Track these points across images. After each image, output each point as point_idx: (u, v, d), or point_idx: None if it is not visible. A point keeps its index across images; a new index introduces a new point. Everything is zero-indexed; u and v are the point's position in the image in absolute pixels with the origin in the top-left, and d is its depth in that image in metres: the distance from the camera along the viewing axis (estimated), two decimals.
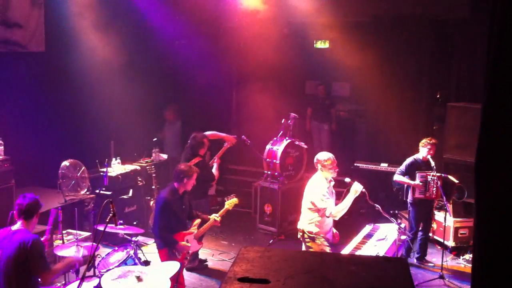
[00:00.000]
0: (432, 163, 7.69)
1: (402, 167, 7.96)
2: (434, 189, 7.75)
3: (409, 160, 7.96)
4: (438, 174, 7.71)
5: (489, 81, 2.55)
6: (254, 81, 11.56)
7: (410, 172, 7.86)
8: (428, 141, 7.86)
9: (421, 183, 7.77)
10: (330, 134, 11.56)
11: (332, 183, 6.56)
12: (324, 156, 6.45)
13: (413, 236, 7.99)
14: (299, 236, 6.63)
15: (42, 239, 5.07)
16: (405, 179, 7.85)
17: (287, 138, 9.48)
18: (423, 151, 7.85)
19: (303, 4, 10.53)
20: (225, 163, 11.52)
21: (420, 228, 8.02)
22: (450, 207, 8.05)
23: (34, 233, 4.97)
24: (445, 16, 10.10)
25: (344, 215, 6.67)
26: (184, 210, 6.74)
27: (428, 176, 7.74)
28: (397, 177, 7.94)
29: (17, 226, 4.78)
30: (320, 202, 6.29)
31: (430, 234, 8.68)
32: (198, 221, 6.74)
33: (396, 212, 8.33)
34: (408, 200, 7.97)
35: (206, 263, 8.01)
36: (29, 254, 4.61)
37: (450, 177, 8.02)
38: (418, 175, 7.78)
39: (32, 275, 4.67)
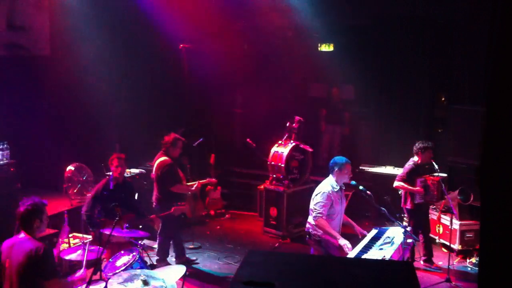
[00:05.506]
0: (436, 166, 7.64)
1: (402, 173, 7.89)
2: (434, 193, 7.71)
3: (408, 165, 7.87)
4: (439, 176, 7.68)
5: (491, 83, 2.55)
6: (258, 84, 11.59)
7: (410, 178, 7.78)
8: (425, 146, 7.77)
9: (421, 188, 7.72)
10: (342, 137, 11.57)
11: (343, 187, 6.57)
12: (340, 160, 6.50)
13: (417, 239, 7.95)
14: (306, 238, 6.67)
15: None
16: (405, 185, 7.77)
17: (292, 141, 9.48)
18: (422, 157, 7.79)
19: (307, 7, 10.53)
20: (230, 166, 11.56)
21: (420, 231, 7.98)
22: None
23: (41, 238, 4.96)
24: (446, 18, 10.08)
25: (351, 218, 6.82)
26: (123, 198, 6.97)
27: (429, 180, 7.71)
28: (397, 183, 7.87)
29: (22, 235, 4.76)
30: (317, 207, 6.38)
31: (436, 238, 8.67)
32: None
33: (402, 215, 8.29)
34: (406, 207, 7.91)
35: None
36: (40, 261, 4.59)
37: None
38: (418, 180, 7.74)
39: (43, 282, 4.65)
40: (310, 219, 6.54)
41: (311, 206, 6.51)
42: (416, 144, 7.88)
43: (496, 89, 2.52)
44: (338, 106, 11.57)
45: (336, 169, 6.47)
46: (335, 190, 6.43)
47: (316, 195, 6.46)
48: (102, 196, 6.90)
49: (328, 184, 6.47)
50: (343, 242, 6.16)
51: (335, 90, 11.62)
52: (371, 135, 11.55)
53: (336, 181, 6.47)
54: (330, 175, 6.55)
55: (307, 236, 6.62)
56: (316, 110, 11.65)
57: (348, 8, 10.63)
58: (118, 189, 7.03)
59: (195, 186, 7.86)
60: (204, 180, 8.35)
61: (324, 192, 6.39)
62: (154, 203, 7.71)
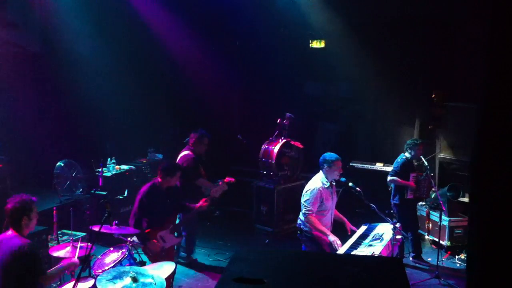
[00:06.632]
0: (425, 163, 7.71)
1: (396, 167, 7.96)
2: (425, 189, 7.81)
3: (401, 160, 7.96)
4: (428, 173, 7.75)
5: (486, 82, 2.57)
6: (252, 81, 11.58)
7: (403, 172, 7.86)
8: (416, 142, 7.92)
9: (414, 183, 7.82)
10: (337, 134, 11.59)
11: (334, 183, 6.58)
12: (330, 156, 6.49)
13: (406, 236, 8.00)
14: (298, 234, 6.68)
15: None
16: (399, 180, 7.85)
17: (282, 138, 9.48)
18: (413, 154, 7.87)
19: (299, 3, 10.51)
20: (221, 163, 11.53)
21: (409, 228, 8.03)
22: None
23: (31, 234, 4.91)
24: (444, 16, 10.09)
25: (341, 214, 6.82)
26: (168, 205, 6.76)
27: (420, 176, 7.80)
28: (391, 178, 7.93)
29: (10, 232, 4.72)
30: (307, 204, 6.40)
31: (426, 234, 8.72)
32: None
33: (392, 211, 8.33)
34: (394, 201, 7.97)
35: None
36: (26, 258, 4.55)
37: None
38: (411, 175, 7.82)
39: (29, 280, 4.62)
40: (301, 215, 6.55)
41: (301, 202, 6.52)
42: (407, 141, 7.99)
43: (491, 87, 2.54)
44: (333, 104, 11.57)
45: (326, 166, 6.47)
46: (326, 186, 6.44)
47: (306, 192, 6.47)
48: (154, 199, 6.58)
49: (318, 181, 6.48)
50: (332, 238, 6.19)
51: (331, 87, 11.62)
52: (366, 132, 11.58)
53: (326, 178, 6.48)
54: (321, 171, 6.55)
55: (299, 232, 6.63)
56: (311, 108, 11.65)
57: (342, 4, 10.61)
58: (164, 195, 6.74)
59: (220, 183, 7.82)
60: (230, 179, 8.12)
61: (313, 189, 6.39)
62: None
